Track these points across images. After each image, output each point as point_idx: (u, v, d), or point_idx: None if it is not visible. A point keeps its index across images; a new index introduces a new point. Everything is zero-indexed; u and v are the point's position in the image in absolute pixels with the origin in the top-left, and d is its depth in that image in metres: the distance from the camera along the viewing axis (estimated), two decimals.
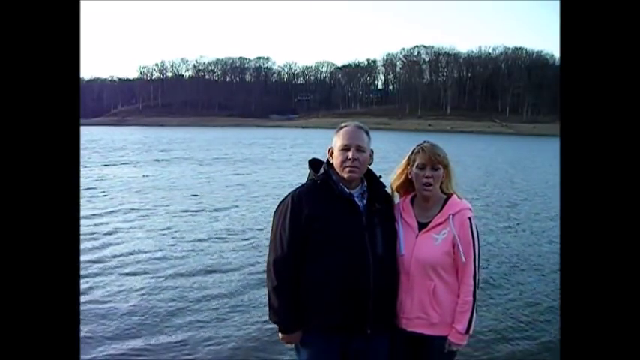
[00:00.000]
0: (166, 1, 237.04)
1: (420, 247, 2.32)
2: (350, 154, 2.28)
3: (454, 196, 2.38)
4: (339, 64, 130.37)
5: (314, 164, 2.43)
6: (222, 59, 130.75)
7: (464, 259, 2.28)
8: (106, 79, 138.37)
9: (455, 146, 33.96)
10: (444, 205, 2.36)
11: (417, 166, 2.36)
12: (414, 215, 2.40)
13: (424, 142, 2.42)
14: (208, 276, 6.72)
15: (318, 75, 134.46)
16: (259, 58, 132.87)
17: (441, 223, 2.32)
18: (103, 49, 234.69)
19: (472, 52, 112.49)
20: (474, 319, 2.31)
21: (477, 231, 2.34)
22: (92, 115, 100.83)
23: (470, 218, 2.32)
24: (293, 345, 2.40)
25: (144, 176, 17.16)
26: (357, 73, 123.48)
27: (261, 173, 19.25)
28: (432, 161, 2.34)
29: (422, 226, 2.36)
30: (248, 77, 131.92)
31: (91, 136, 43.83)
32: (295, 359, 2.45)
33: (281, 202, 2.37)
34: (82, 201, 11.61)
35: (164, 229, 9.29)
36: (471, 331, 2.32)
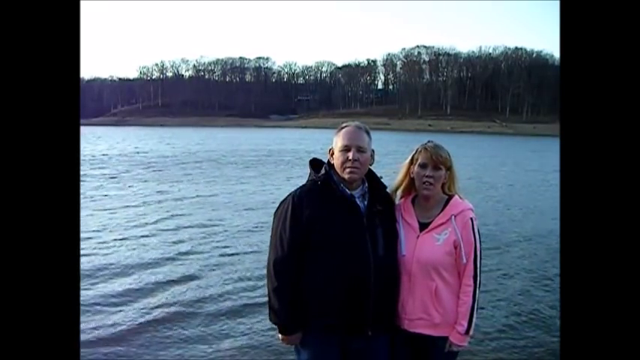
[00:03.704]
0: (166, 1, 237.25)
1: (422, 247, 2.32)
2: (350, 155, 2.27)
3: (456, 197, 2.38)
4: (339, 64, 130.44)
5: (314, 164, 2.42)
6: (222, 59, 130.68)
7: (465, 260, 2.28)
8: (106, 79, 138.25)
9: (468, 147, 33.65)
10: (445, 205, 2.36)
11: (418, 165, 2.36)
12: (415, 215, 2.39)
13: (428, 141, 2.42)
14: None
15: (318, 75, 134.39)
16: (259, 58, 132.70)
17: (442, 224, 2.32)
18: (103, 49, 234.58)
19: (472, 52, 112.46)
20: (474, 320, 2.31)
21: (479, 232, 2.34)
22: (92, 115, 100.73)
23: (472, 219, 2.32)
24: (293, 346, 2.40)
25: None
26: (357, 73, 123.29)
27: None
28: (434, 161, 2.33)
29: (423, 227, 2.36)
30: (248, 77, 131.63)
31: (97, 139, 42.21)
32: None
33: (281, 203, 2.37)
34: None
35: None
36: (471, 332, 2.31)
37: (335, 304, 2.25)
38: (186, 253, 7.83)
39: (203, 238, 8.88)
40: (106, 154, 27.60)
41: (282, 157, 27.54)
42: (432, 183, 2.33)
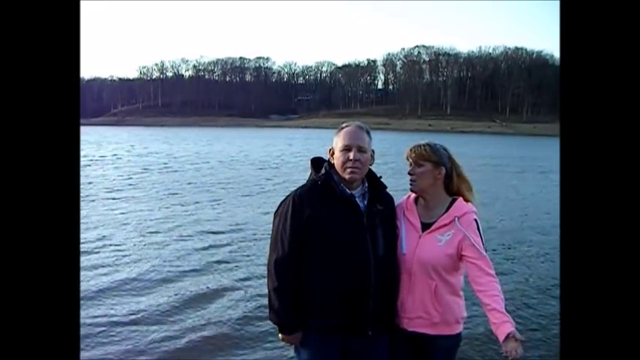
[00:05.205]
0: (166, 1, 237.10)
1: (423, 247, 2.32)
2: (351, 155, 2.27)
3: (460, 199, 2.39)
4: (339, 64, 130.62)
5: (315, 164, 2.42)
6: (222, 59, 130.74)
7: (481, 253, 2.24)
8: (106, 79, 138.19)
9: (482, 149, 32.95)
10: (449, 207, 2.36)
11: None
12: (417, 215, 2.40)
13: (422, 142, 2.45)
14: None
15: (318, 75, 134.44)
16: (259, 58, 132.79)
17: (446, 225, 2.32)
18: (103, 49, 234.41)
19: (472, 52, 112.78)
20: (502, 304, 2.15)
21: (482, 233, 2.34)
22: (92, 115, 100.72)
23: (476, 220, 2.33)
24: (293, 345, 2.40)
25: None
26: (357, 73, 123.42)
27: None
28: (414, 158, 2.38)
29: (425, 227, 2.36)
30: (248, 77, 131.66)
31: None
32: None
33: (282, 203, 2.37)
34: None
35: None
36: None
37: (335, 304, 2.25)
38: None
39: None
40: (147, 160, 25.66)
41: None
42: (414, 180, 2.39)
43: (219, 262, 7.45)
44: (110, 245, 8.21)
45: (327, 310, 2.26)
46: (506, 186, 16.91)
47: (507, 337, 2.04)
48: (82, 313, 5.11)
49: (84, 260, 7.02)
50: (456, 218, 2.31)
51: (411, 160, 2.40)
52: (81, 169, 18.83)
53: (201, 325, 5.15)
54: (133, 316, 5.33)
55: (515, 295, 6.15)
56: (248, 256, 7.73)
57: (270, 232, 2.38)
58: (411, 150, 2.41)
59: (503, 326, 2.07)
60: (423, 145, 2.40)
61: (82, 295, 5.63)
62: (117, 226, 9.68)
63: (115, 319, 5.24)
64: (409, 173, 2.40)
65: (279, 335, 2.39)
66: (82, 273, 6.44)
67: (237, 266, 7.20)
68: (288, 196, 2.36)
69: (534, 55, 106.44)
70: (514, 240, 9.20)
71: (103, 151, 30.35)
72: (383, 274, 2.28)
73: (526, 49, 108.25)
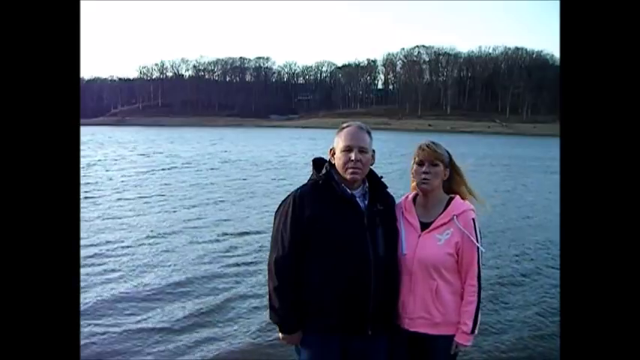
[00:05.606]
0: (166, 1, 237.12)
1: (423, 247, 2.32)
2: (352, 156, 2.27)
3: (457, 197, 2.39)
4: (339, 64, 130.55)
5: (317, 163, 2.42)
6: (222, 59, 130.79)
7: (469, 260, 2.29)
8: (106, 79, 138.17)
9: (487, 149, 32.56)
10: (447, 206, 2.36)
11: (416, 163, 2.40)
12: (416, 215, 2.40)
13: (428, 141, 2.44)
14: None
15: (318, 75, 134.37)
16: (259, 58, 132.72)
17: (444, 224, 2.33)
18: (103, 49, 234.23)
19: (472, 52, 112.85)
20: (478, 320, 2.31)
21: (480, 232, 2.34)
22: (92, 115, 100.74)
23: (473, 219, 2.33)
24: (293, 345, 2.40)
25: None
26: (357, 73, 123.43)
27: None
28: (431, 157, 2.36)
29: (424, 226, 2.36)
30: (248, 77, 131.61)
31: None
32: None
33: (282, 202, 2.37)
34: None
35: None
36: (476, 332, 2.31)
37: (335, 304, 2.25)
38: None
39: None
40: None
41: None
42: (429, 179, 2.36)
43: (237, 264, 7.30)
44: (120, 248, 8.02)
45: (327, 310, 2.26)
46: (515, 186, 16.84)
47: (457, 342, 2.32)
48: (90, 322, 5.05)
49: (92, 264, 6.97)
50: (455, 217, 2.32)
51: (423, 159, 2.37)
52: (86, 168, 18.85)
53: (217, 334, 5.03)
54: (144, 325, 5.15)
55: (541, 298, 6.11)
56: (263, 257, 7.54)
57: (271, 232, 2.39)
58: (424, 150, 2.38)
59: (460, 335, 2.32)
60: (435, 145, 2.40)
61: (89, 301, 5.60)
62: (126, 229, 9.50)
63: (124, 327, 5.07)
64: (425, 172, 2.36)
65: (280, 335, 2.38)
66: (92, 278, 6.39)
67: (256, 270, 6.95)
68: (289, 195, 2.36)
69: (534, 55, 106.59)
70: (532, 240, 9.14)
71: (107, 150, 30.40)
72: (383, 273, 2.28)
73: (526, 49, 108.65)
